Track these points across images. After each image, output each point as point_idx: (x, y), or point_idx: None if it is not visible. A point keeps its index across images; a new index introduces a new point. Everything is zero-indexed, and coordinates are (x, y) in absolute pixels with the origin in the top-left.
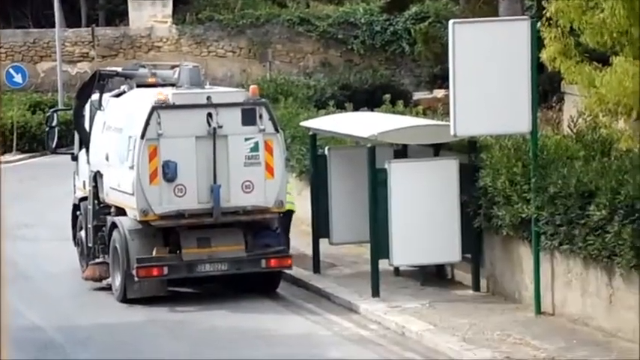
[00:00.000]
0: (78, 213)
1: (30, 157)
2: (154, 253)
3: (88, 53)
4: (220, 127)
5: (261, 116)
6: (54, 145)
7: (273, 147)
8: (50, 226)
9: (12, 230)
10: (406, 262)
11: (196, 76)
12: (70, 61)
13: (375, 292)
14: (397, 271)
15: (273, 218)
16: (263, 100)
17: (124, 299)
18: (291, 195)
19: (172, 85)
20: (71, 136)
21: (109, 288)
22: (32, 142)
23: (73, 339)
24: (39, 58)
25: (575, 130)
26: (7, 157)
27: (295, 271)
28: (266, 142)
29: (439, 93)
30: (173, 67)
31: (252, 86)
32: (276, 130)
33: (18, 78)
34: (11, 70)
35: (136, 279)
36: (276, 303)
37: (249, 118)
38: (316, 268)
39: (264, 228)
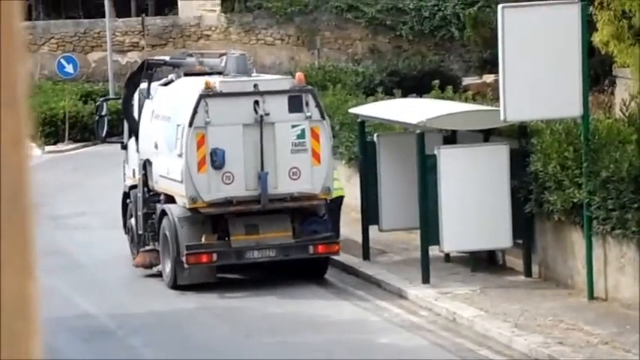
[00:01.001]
0: (128, 201)
1: (82, 147)
2: (202, 240)
3: (137, 43)
4: (267, 114)
5: (307, 103)
6: (104, 134)
7: (319, 134)
8: (101, 214)
9: (65, 219)
10: (456, 248)
11: (243, 64)
12: (120, 51)
13: (426, 279)
14: (447, 258)
15: (320, 204)
16: (309, 87)
17: (174, 286)
18: (338, 181)
19: (219, 73)
20: (121, 125)
21: (159, 275)
22: (84, 132)
23: (126, 326)
24: (90, 48)
25: (627, 114)
26: (60, 146)
27: (345, 258)
28: (312, 129)
29: (489, 78)
30: (221, 55)
31: (298, 73)
32: (323, 117)
33: (69, 68)
34: (62, 61)
35: (185, 266)
36: (325, 290)
37: (295, 105)
38: (366, 255)
39: (312, 214)
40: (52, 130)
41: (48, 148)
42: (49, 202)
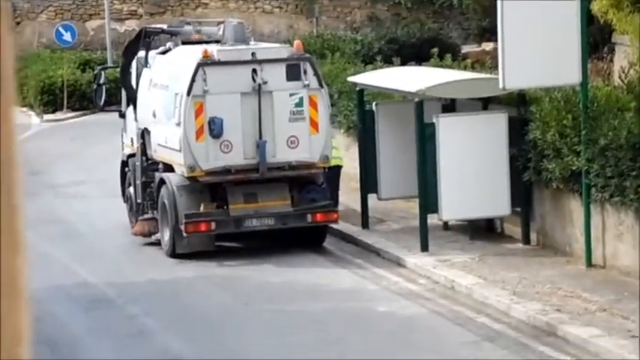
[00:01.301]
0: (126, 170)
1: (80, 115)
2: (201, 208)
3: (136, 11)
4: (265, 83)
5: (305, 72)
6: (102, 103)
7: (317, 102)
8: (100, 183)
9: (63, 188)
10: (455, 217)
11: (241, 32)
12: (118, 19)
13: (424, 247)
14: (446, 226)
15: (319, 173)
16: (307, 55)
17: (173, 254)
18: (337, 150)
19: (217, 41)
20: (119, 93)
21: (158, 243)
22: (82, 100)
23: (125, 294)
24: (88, 17)
25: (626, 81)
26: (58, 115)
27: (344, 227)
28: (310, 97)
29: (488, 46)
30: (219, 23)
31: (296, 41)
32: (321, 85)
33: (67, 36)
34: (61, 29)
35: (184, 234)
36: (324, 258)
37: (293, 73)
38: (365, 223)
39: (310, 183)
40: (50, 99)
41: (46, 116)
42: (48, 171)
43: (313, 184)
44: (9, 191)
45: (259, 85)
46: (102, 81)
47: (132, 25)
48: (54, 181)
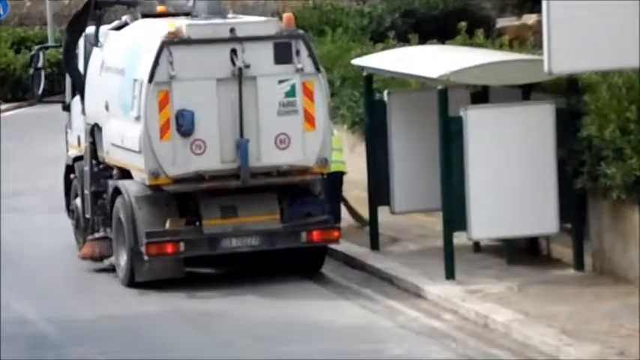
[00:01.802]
0: (72, 176)
1: (14, 108)
2: (167, 225)
3: None
4: (247, 66)
5: (298, 52)
6: (40, 92)
7: (313, 90)
8: (41, 193)
9: None
10: (488, 235)
11: (216, 2)
12: None
13: (450, 274)
14: (477, 247)
15: (315, 180)
16: (300, 31)
17: (132, 283)
18: (338, 152)
19: (187, 14)
20: (63, 80)
21: (112, 269)
22: (16, 89)
23: (70, 334)
24: None
25: None
26: None
27: (347, 248)
28: (304, 84)
29: (530, 19)
30: None
31: (286, 14)
32: (318, 69)
33: None
34: None
35: (145, 257)
36: (323, 288)
37: (283, 54)
38: (374, 243)
39: (304, 193)
40: None
41: None
42: None
43: (308, 194)
44: None
45: (240, 69)
46: (40, 64)
47: None
48: None
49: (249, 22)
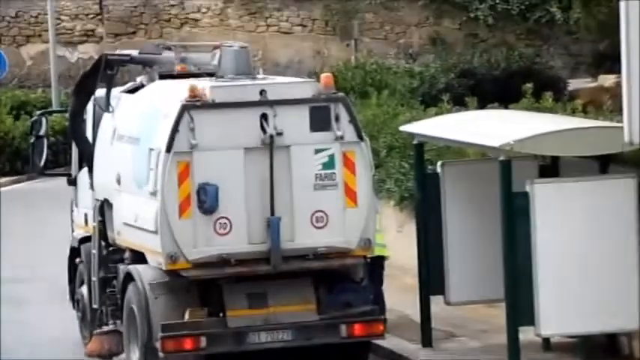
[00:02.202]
0: (78, 260)
1: (12, 182)
2: (186, 316)
3: (94, 31)
4: (280, 133)
5: (337, 117)
6: (42, 164)
7: (355, 161)
8: (41, 281)
9: None
10: (560, 331)
11: (244, 60)
12: (68, 42)
13: None
14: (547, 344)
15: (357, 265)
16: (340, 94)
17: None
18: (381, 233)
19: (211, 74)
20: (68, 150)
21: None
22: (15, 161)
23: None
24: (24, 39)
25: None
26: None
27: (395, 344)
28: (345, 154)
29: (607, 80)
30: (214, 48)
31: (324, 75)
32: (360, 137)
33: None
34: None
35: (161, 355)
36: None
37: (320, 120)
38: (426, 339)
39: (344, 279)
40: None
41: None
42: None
43: (349, 280)
44: None
45: (271, 137)
46: (43, 132)
47: (88, 52)
48: None
49: (281, 84)
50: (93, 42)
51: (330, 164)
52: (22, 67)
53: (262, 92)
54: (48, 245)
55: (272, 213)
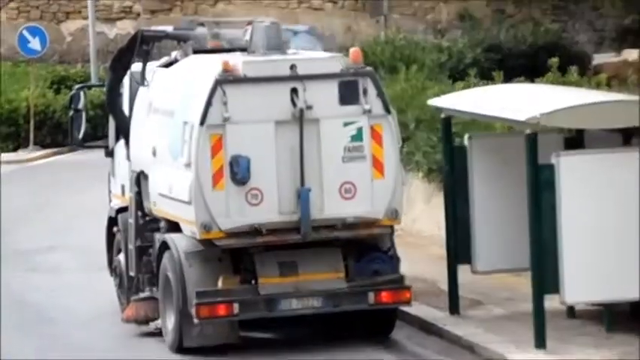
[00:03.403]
0: (115, 230)
1: (53, 154)
2: (219, 284)
3: (131, 8)
4: (309, 107)
5: (365, 91)
6: (81, 136)
7: (382, 134)
8: (79, 249)
9: (27, 256)
10: (585, 299)
11: (276, 36)
12: (107, 19)
13: (540, 342)
14: (572, 312)
15: (385, 234)
16: (368, 68)
17: (180, 348)
18: None
19: (242, 49)
20: (106, 122)
21: (158, 333)
22: (55, 133)
23: None
24: (64, 16)
25: None
26: (21, 154)
27: (423, 312)
28: (373, 127)
29: (630, 54)
30: (248, 24)
31: (353, 49)
32: (387, 110)
33: (35, 43)
34: (26, 33)
35: (195, 320)
36: (395, 356)
37: (349, 94)
38: (454, 307)
39: (372, 248)
40: (11, 132)
41: (5, 156)
42: (6, 234)
43: (376, 249)
44: None
45: (301, 110)
46: (81, 105)
47: (126, 28)
48: (15, 247)
49: (311, 59)
50: (130, 18)
51: (358, 137)
52: (62, 43)
53: (292, 67)
54: (84, 215)
55: (302, 184)
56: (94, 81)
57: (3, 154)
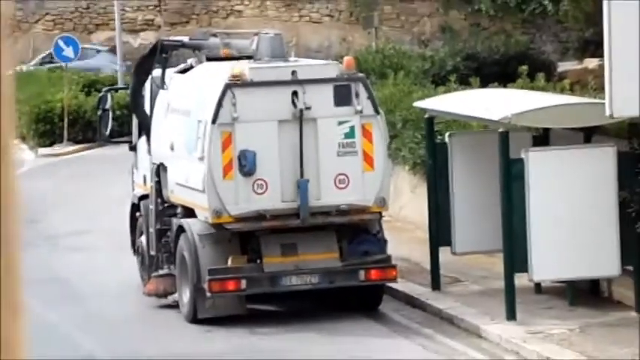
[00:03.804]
0: (137, 215)
1: (84, 149)
2: (229, 262)
3: (153, 20)
4: (308, 108)
5: (357, 94)
6: (108, 132)
7: (372, 132)
8: (107, 232)
9: (62, 239)
10: (550, 277)
11: (278, 46)
12: (131, 30)
13: (511, 314)
14: (539, 288)
15: (374, 220)
16: (360, 74)
17: (194, 319)
18: None
19: (250, 57)
20: (130, 121)
21: (175, 305)
22: (86, 131)
23: None
24: (94, 27)
25: None
26: (57, 148)
27: (408, 288)
28: (364, 126)
29: (591, 63)
30: (254, 35)
31: (346, 58)
32: (376, 111)
33: (69, 51)
34: (60, 42)
35: (208, 294)
36: (383, 326)
37: (342, 96)
38: (435, 283)
39: (363, 232)
40: (47, 129)
41: (42, 150)
42: (43, 218)
43: (367, 233)
44: (7, 244)
45: (301, 110)
46: (107, 105)
47: (148, 38)
48: (51, 230)
49: (310, 65)
50: (152, 30)
51: (351, 134)
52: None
53: (293, 73)
54: (111, 202)
55: (301, 175)
56: (120, 84)
57: (40, 149)
